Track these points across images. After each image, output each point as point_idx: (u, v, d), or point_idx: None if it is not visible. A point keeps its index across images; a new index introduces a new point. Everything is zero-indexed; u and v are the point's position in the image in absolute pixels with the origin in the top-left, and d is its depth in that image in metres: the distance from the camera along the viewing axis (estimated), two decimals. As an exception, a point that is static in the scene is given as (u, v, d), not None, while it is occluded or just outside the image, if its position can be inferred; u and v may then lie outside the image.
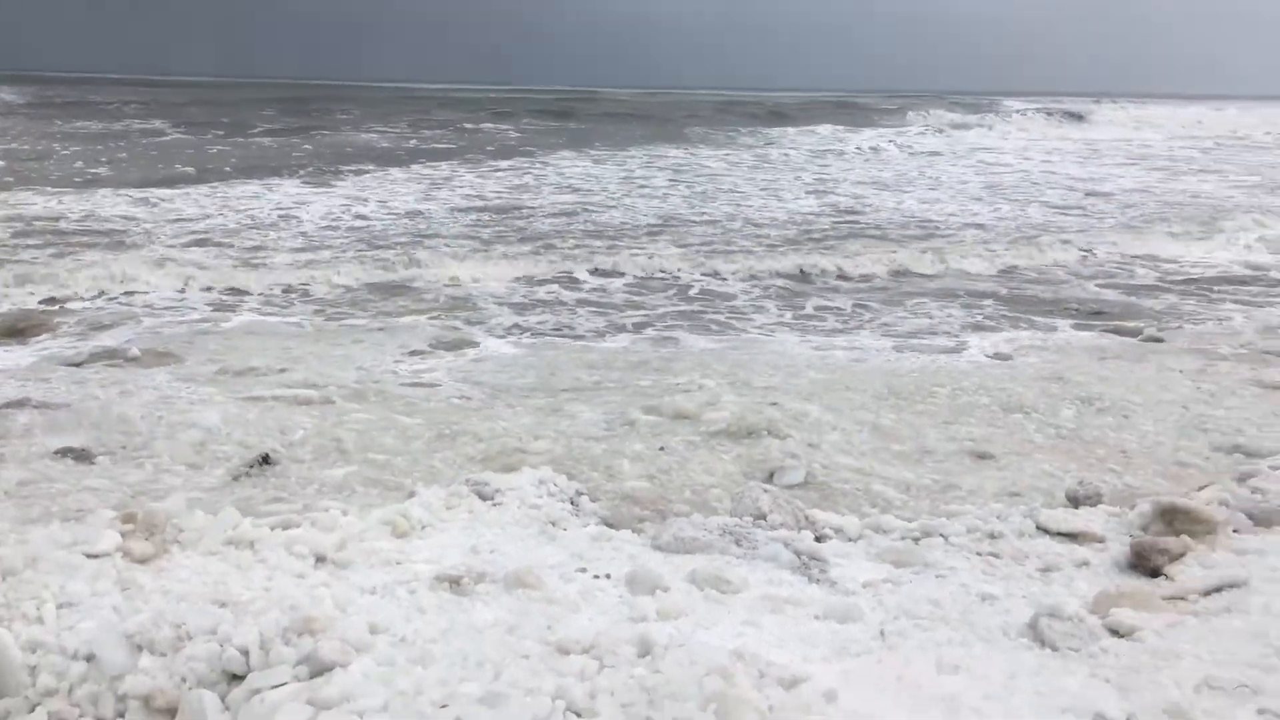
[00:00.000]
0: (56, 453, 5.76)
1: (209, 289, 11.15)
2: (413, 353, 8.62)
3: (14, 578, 3.44)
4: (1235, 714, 3.20)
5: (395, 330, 9.56)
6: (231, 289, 11.21)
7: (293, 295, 11.09)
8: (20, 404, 6.57)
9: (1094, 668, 3.50)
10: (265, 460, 5.61)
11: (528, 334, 9.69)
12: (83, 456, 5.70)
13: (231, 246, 13.42)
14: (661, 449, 6.09)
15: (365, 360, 8.28)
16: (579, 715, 2.99)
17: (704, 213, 17.40)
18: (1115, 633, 3.72)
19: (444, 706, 3.00)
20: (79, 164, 22.45)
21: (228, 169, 22.51)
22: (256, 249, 13.24)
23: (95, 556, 3.64)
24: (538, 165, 25.92)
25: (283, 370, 7.84)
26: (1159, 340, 9.53)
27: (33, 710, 3.06)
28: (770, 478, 5.61)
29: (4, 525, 4.12)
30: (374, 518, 4.51)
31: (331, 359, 8.30)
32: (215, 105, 44.57)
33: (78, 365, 7.85)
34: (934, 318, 10.63)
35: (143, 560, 3.72)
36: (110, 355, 8.18)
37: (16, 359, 8.04)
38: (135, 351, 8.29)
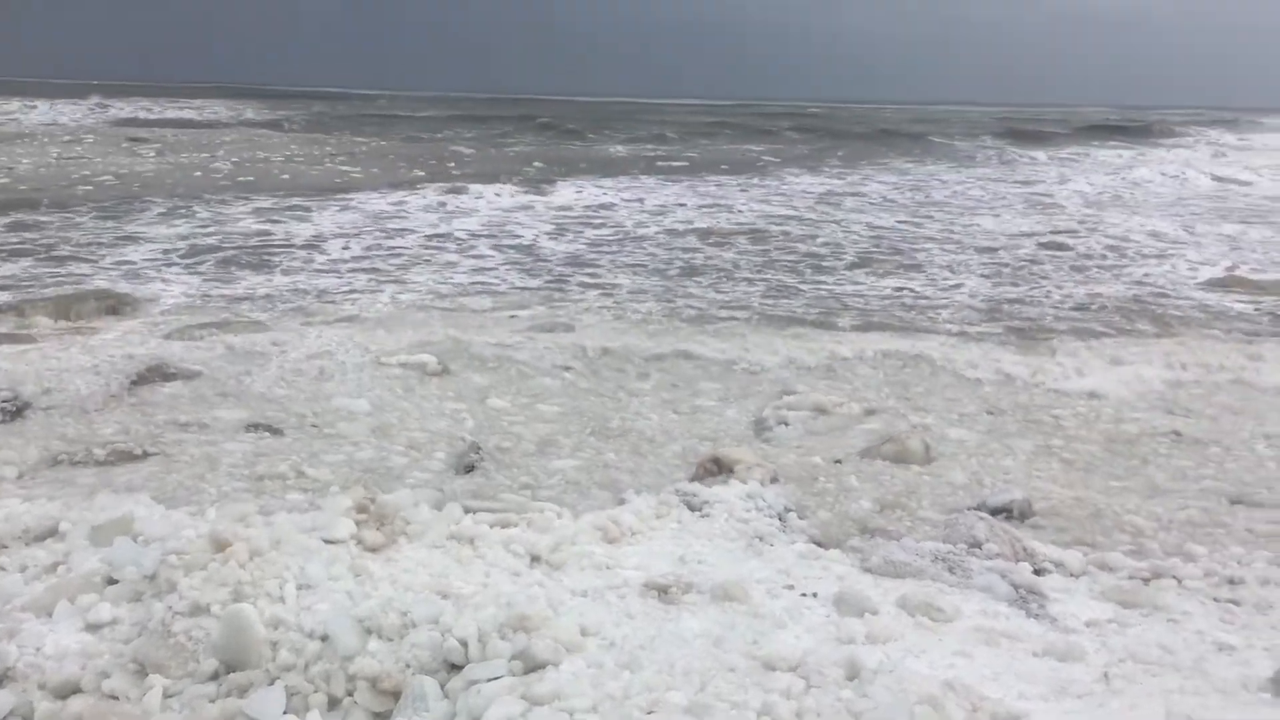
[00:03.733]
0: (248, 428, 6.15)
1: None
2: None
3: (260, 558, 3.71)
4: None
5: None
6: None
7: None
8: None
9: (1348, 732, 3.22)
10: (476, 450, 5.83)
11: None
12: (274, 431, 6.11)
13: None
14: (838, 461, 6.00)
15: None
16: (784, 733, 2.97)
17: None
18: (1374, 696, 3.40)
19: (650, 713, 3.04)
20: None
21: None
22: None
23: (332, 542, 3.88)
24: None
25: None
26: None
27: (272, 683, 3.29)
28: (982, 504, 5.40)
29: (249, 507, 4.44)
30: (586, 521, 4.62)
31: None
32: (496, 120, 47.52)
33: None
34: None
35: (373, 549, 3.94)
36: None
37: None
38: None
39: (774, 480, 5.44)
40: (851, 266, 13.11)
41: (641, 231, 15.47)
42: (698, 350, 8.29)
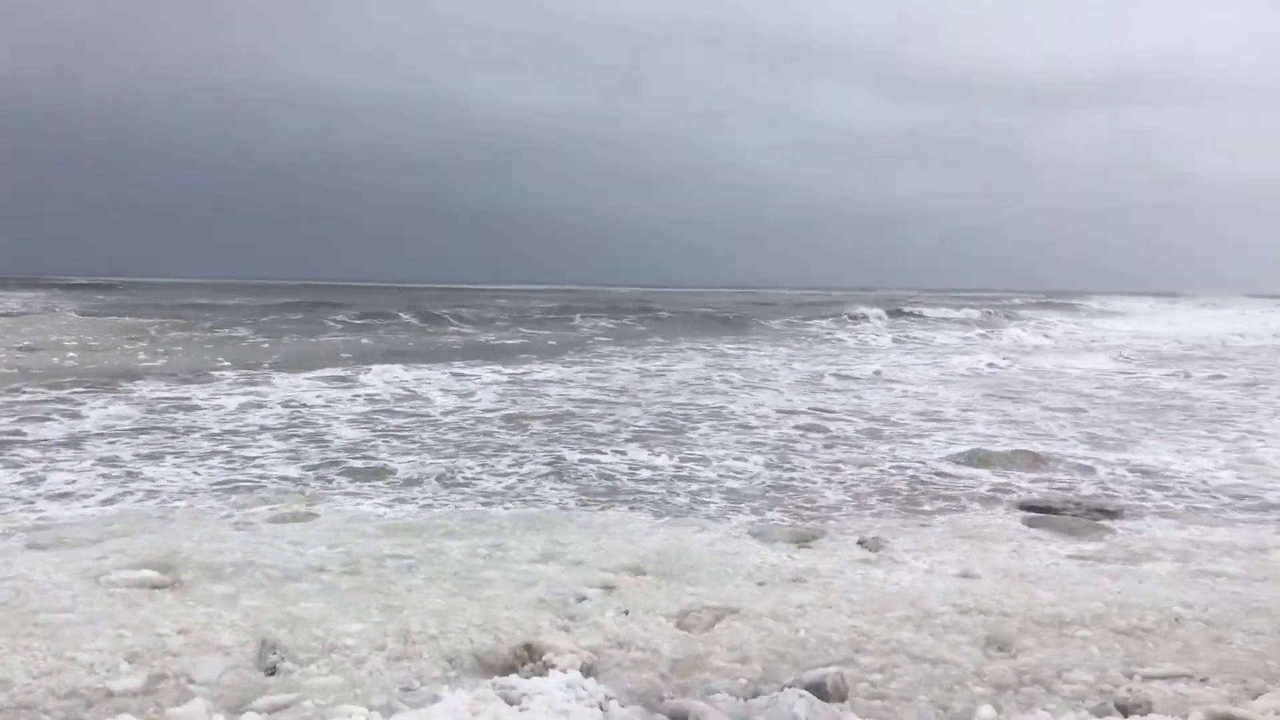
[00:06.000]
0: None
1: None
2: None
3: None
4: None
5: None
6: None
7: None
8: None
9: None
10: (274, 650, 5.49)
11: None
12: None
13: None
14: (626, 612, 6.16)
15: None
16: None
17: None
18: None
19: None
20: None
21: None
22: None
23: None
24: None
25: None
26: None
27: None
28: (797, 681, 5.50)
29: None
30: (397, 723, 4.53)
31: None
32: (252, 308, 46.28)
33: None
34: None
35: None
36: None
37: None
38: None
39: (590, 668, 5.45)
40: (629, 441, 13.42)
41: (446, 419, 15.47)
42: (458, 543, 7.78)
